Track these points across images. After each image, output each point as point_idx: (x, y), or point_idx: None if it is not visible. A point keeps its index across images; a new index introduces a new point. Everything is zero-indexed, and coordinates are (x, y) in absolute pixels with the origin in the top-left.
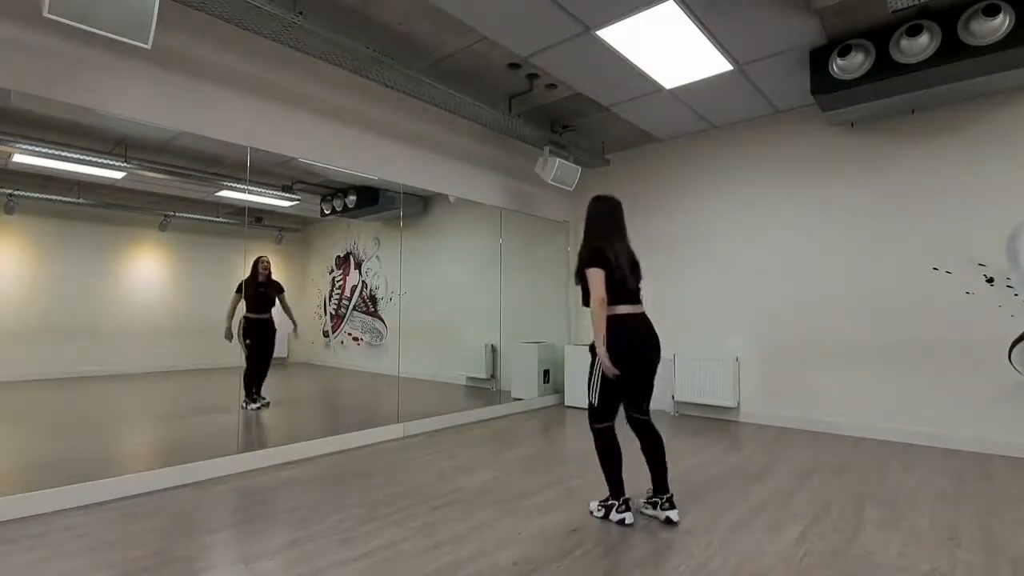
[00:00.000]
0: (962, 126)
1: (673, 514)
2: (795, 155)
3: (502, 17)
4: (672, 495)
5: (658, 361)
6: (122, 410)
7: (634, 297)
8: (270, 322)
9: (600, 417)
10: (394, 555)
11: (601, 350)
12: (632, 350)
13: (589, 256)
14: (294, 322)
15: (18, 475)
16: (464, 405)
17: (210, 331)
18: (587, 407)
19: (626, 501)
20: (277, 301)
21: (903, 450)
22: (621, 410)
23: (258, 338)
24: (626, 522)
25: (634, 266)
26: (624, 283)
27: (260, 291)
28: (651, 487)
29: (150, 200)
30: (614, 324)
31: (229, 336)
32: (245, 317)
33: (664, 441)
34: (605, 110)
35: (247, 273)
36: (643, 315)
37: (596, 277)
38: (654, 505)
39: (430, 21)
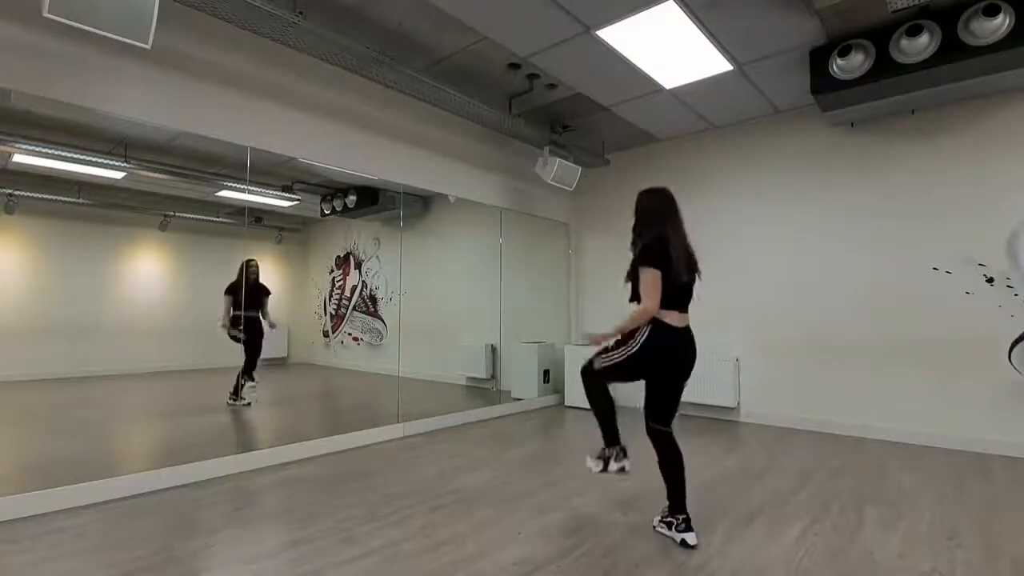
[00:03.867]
0: (962, 126)
1: (690, 537)
2: (795, 155)
3: (502, 17)
4: (689, 516)
5: (690, 374)
6: (122, 410)
7: (684, 304)
8: (258, 320)
9: (594, 374)
10: (394, 555)
11: (610, 339)
12: (668, 361)
13: (648, 254)
14: (270, 322)
15: (18, 475)
16: (464, 405)
17: (210, 331)
18: (585, 363)
19: (623, 449)
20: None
21: (903, 450)
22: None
23: (248, 333)
24: (626, 469)
25: (691, 266)
26: (677, 287)
27: (249, 292)
28: (667, 505)
29: (150, 200)
30: (658, 330)
31: (226, 327)
32: (235, 315)
33: (684, 458)
34: (605, 110)
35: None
36: (687, 328)
37: (653, 281)
38: (669, 525)
39: (430, 21)
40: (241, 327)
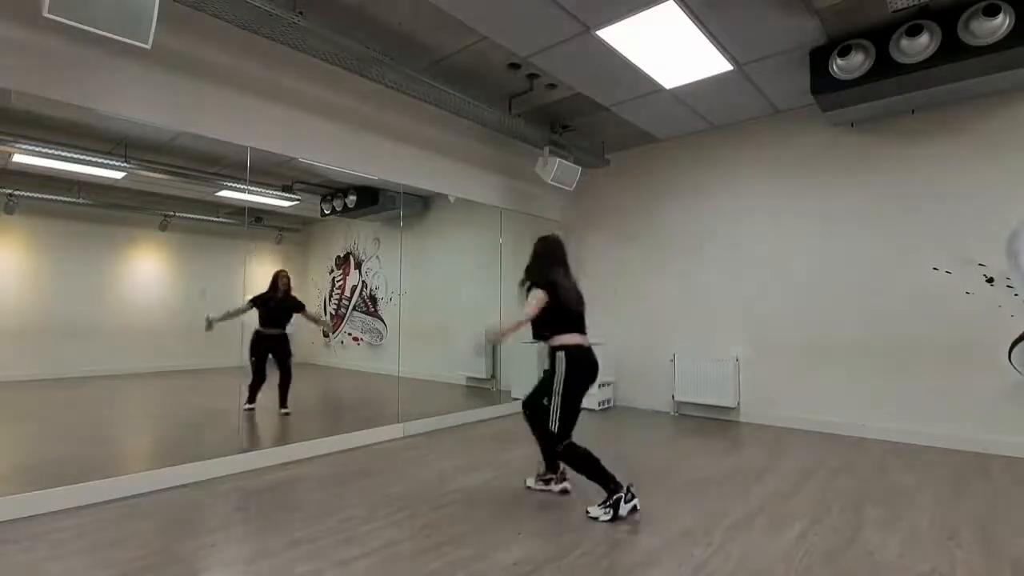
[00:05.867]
0: (962, 126)
1: (568, 484)
2: (795, 155)
3: (502, 17)
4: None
5: (596, 380)
6: (122, 410)
7: (583, 328)
8: (283, 336)
9: (564, 437)
10: (394, 555)
11: (495, 335)
12: (588, 372)
13: (543, 282)
14: (323, 322)
15: (18, 475)
16: (464, 405)
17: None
18: (548, 434)
19: (628, 488)
20: (295, 318)
21: (903, 450)
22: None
23: (274, 352)
24: (637, 508)
25: (580, 299)
26: (573, 315)
27: (278, 306)
28: (544, 467)
29: (150, 200)
30: (572, 352)
31: (209, 325)
32: (257, 332)
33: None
34: (605, 110)
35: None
36: (590, 347)
37: (538, 299)
38: (548, 482)
39: (430, 21)
40: (254, 356)
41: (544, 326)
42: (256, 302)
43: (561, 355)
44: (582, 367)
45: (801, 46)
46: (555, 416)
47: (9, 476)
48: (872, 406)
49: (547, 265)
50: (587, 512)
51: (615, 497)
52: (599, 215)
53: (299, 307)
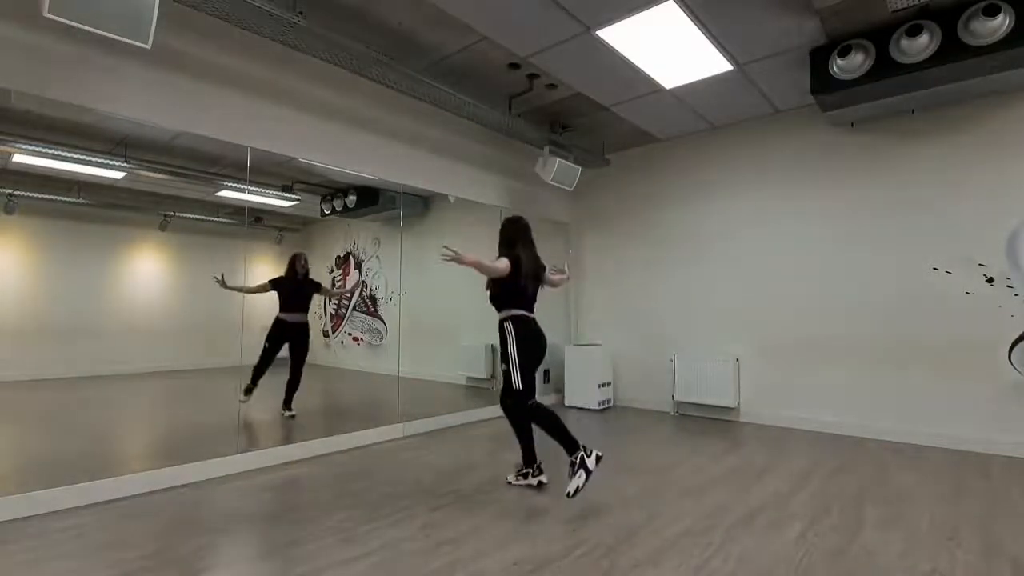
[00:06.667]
0: (962, 126)
1: (544, 477)
2: (795, 155)
3: (502, 17)
4: (540, 462)
5: (545, 354)
6: (122, 410)
7: (530, 306)
8: (305, 325)
9: (529, 395)
10: (394, 555)
11: (457, 254)
12: (535, 341)
13: (510, 257)
14: (338, 292)
15: (18, 475)
16: (464, 405)
17: (210, 331)
18: (512, 395)
19: (583, 446)
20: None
21: (903, 450)
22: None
23: (292, 344)
24: (600, 456)
25: (537, 276)
26: (525, 293)
27: (297, 289)
28: (523, 463)
29: (150, 200)
30: (518, 321)
31: (222, 280)
32: (277, 319)
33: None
34: (605, 110)
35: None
36: (535, 319)
37: (504, 264)
38: (525, 476)
39: (430, 21)
40: (269, 343)
41: (497, 297)
42: (275, 284)
43: (508, 324)
44: (528, 335)
45: (801, 46)
46: (516, 375)
47: (9, 476)
48: (872, 406)
49: (513, 244)
50: (568, 494)
51: (578, 457)
52: (599, 215)
53: (317, 288)
